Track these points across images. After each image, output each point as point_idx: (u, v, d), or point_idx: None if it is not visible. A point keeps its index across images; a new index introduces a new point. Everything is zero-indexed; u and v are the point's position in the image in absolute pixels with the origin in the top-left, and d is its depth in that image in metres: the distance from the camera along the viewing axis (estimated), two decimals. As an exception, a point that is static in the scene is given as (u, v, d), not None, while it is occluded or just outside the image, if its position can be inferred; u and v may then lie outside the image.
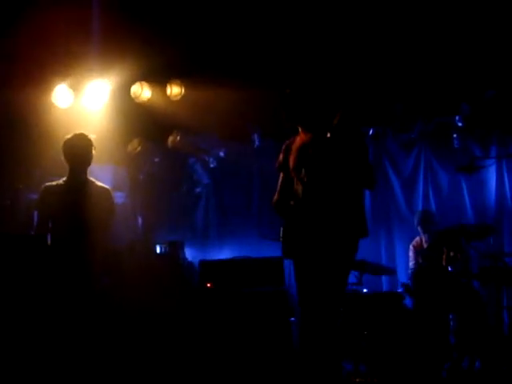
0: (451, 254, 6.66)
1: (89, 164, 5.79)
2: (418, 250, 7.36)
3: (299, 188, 4.44)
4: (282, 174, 4.69)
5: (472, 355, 6.11)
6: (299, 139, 4.57)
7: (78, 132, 5.81)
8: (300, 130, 4.57)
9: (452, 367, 6.05)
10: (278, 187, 4.70)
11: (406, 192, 8.56)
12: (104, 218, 5.73)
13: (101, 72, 7.28)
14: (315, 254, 4.32)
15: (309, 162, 4.39)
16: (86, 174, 5.79)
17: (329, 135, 4.26)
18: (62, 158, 5.78)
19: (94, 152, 5.77)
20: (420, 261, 7.30)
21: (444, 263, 6.70)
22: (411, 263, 7.42)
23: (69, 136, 5.78)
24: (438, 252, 6.91)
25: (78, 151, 5.72)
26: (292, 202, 4.50)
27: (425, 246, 7.32)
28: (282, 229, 4.49)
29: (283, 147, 4.68)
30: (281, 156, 4.68)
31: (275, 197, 4.70)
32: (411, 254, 7.46)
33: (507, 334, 6.43)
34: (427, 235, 7.29)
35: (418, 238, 7.47)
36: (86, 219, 5.53)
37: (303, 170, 4.40)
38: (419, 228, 7.43)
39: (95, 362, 5.33)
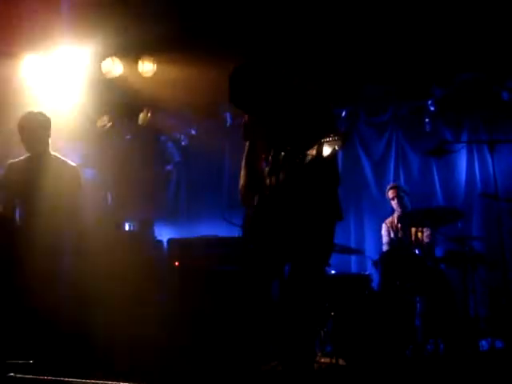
0: (419, 236, 6.67)
1: (40, 141, 5.66)
2: (391, 228, 7.37)
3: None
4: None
5: (436, 338, 6.15)
6: None
7: (29, 110, 5.71)
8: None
9: (416, 350, 6.09)
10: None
11: (376, 174, 8.57)
12: (68, 196, 5.62)
13: (72, 46, 7.19)
14: (287, 241, 3.91)
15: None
16: (41, 151, 5.65)
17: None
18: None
19: (46, 129, 5.66)
20: (393, 238, 7.32)
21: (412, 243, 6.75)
22: (385, 239, 7.42)
23: (21, 114, 5.68)
24: (406, 234, 6.97)
25: (27, 130, 5.61)
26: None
27: (396, 221, 7.30)
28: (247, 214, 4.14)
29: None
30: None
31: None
32: (383, 231, 7.45)
33: (473, 318, 6.47)
34: (400, 210, 7.26)
35: (391, 218, 7.47)
36: (42, 196, 5.43)
37: None
38: (392, 203, 7.37)
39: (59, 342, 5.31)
